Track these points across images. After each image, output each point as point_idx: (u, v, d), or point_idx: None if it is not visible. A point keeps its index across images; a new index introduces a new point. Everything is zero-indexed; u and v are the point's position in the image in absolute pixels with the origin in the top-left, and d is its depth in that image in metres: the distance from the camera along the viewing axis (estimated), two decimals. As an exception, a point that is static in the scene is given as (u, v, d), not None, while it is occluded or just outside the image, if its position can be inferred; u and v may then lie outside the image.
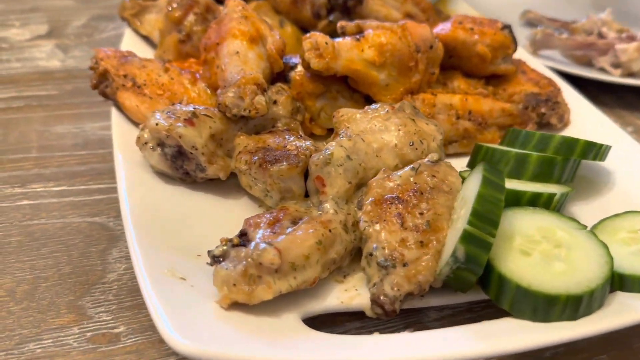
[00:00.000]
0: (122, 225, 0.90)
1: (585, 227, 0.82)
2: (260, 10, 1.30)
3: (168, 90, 1.07)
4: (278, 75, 1.09)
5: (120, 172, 0.93)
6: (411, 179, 0.83)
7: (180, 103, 1.02)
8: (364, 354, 0.68)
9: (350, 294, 0.80)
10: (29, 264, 0.93)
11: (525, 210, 0.84)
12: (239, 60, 1.00)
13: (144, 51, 1.28)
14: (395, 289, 0.73)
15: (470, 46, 1.16)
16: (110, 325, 0.83)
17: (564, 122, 1.19)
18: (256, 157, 0.91)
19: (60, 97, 1.42)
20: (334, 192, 0.85)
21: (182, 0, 1.25)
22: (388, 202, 0.80)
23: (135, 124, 1.06)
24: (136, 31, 1.37)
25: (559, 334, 0.69)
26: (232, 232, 0.80)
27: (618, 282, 0.77)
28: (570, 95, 1.23)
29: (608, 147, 0.98)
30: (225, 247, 0.76)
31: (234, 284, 0.72)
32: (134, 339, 0.81)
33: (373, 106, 0.98)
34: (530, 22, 1.84)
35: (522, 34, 1.66)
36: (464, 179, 0.86)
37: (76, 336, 0.81)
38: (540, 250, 0.77)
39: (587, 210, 0.96)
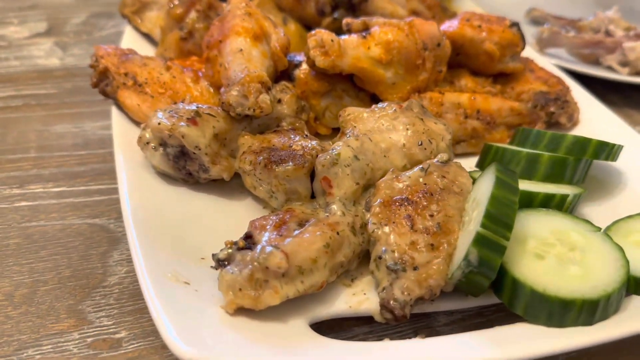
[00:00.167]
0: (123, 227, 0.88)
1: (599, 229, 0.81)
2: (263, 7, 1.28)
3: (170, 89, 1.05)
4: (282, 73, 1.08)
5: (121, 172, 0.91)
6: (420, 179, 0.81)
7: (182, 102, 1.00)
8: (374, 361, 0.66)
9: (358, 298, 0.78)
10: (28, 267, 0.91)
11: (538, 212, 0.82)
12: (243, 58, 0.98)
13: (145, 49, 1.26)
14: (405, 293, 0.71)
15: (478, 44, 1.14)
16: (111, 330, 0.81)
17: (574, 121, 1.17)
18: (261, 158, 0.89)
19: (59, 96, 1.40)
20: (341, 194, 0.83)
21: (184, -3, 1.23)
22: (397, 204, 0.78)
23: (137, 123, 1.04)
24: (137, 29, 1.35)
25: (576, 339, 0.68)
26: (237, 235, 0.78)
27: (633, 285, 0.76)
28: (580, 94, 1.22)
29: (620, 147, 0.96)
30: (230, 251, 0.74)
31: (240, 289, 0.70)
32: (135, 345, 0.79)
33: (380, 105, 0.96)
34: (536, 20, 1.82)
35: (528, 32, 1.64)
36: (474, 180, 0.84)
37: (76, 342, 0.80)
38: (554, 253, 0.75)
39: (599, 212, 0.94)
